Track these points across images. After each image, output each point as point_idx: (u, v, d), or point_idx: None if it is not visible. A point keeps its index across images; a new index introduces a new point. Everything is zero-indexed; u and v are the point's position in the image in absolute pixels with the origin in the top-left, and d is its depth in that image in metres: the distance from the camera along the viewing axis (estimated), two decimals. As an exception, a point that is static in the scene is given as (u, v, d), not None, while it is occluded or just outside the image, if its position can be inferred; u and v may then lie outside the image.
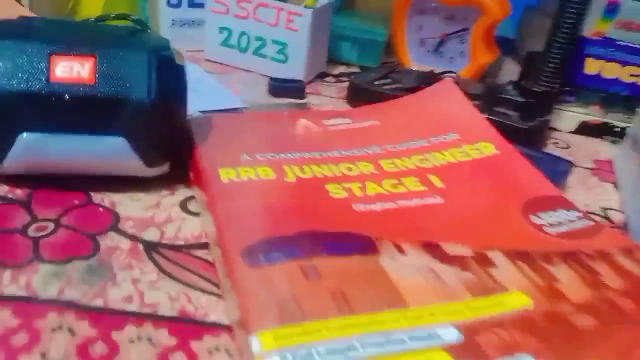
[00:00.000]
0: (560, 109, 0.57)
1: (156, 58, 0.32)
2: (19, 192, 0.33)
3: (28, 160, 0.31)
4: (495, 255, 0.29)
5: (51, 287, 0.26)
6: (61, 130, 0.30)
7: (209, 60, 0.60)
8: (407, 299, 0.25)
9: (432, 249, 0.29)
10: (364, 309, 0.24)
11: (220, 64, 0.59)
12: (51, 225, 0.30)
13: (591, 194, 0.44)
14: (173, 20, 0.61)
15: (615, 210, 0.41)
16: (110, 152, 0.31)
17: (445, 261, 0.28)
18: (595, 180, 0.47)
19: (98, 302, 0.26)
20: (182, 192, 0.35)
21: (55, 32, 0.32)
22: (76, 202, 0.32)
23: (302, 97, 0.55)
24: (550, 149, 0.52)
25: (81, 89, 0.30)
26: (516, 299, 0.26)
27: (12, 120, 0.29)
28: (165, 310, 0.26)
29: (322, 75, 0.62)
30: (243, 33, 0.58)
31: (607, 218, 0.40)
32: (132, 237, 0.30)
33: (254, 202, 0.31)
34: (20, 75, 0.29)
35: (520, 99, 0.51)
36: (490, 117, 0.48)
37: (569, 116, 0.57)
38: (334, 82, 0.61)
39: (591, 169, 0.49)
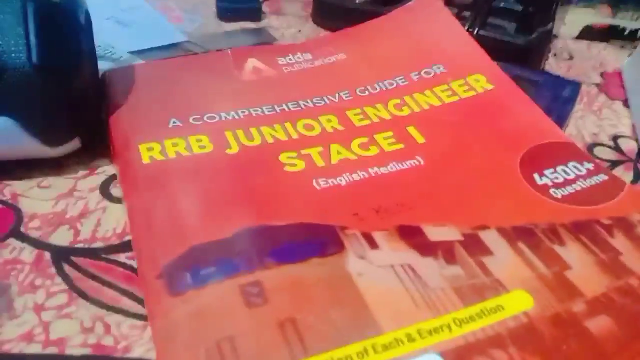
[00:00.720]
0: (562, 13, 0.49)
1: (35, 4, 0.23)
2: None
3: None
4: (490, 236, 0.23)
5: None
6: None
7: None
8: (379, 318, 0.20)
9: (412, 235, 0.23)
10: (322, 343, 0.19)
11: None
12: None
13: (599, 118, 0.38)
14: None
15: (627, 137, 0.35)
16: (-5, 136, 0.24)
17: (427, 253, 0.22)
18: (604, 99, 0.40)
19: (-13, 348, 0.20)
20: (103, 171, 0.28)
21: None
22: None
23: (259, 19, 0.46)
24: (551, 61, 0.45)
25: None
26: (517, 301, 0.21)
27: None
28: (76, 347, 0.20)
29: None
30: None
31: (618, 149, 0.34)
32: (38, 244, 0.24)
33: (182, 192, 0.24)
34: None
35: (518, 8, 0.43)
36: (483, 32, 0.41)
37: (571, 20, 0.49)
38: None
39: (598, 84, 0.42)
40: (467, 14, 0.43)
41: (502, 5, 0.44)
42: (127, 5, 0.44)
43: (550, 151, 0.28)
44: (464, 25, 0.40)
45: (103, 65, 0.31)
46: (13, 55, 0.23)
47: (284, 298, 0.20)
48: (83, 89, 0.26)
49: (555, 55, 0.46)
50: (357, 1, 0.46)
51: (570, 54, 0.47)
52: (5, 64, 0.23)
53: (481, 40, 0.39)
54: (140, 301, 0.22)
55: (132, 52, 0.38)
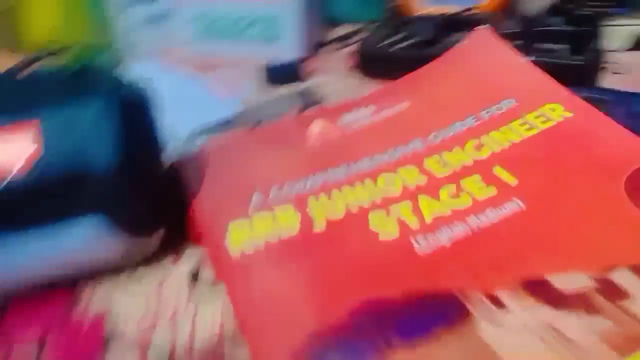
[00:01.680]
0: (610, 25, 0.47)
1: (109, 108, 0.23)
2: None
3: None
4: (624, 277, 0.21)
5: None
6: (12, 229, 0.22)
7: (188, 59, 0.51)
8: (534, 390, 0.18)
9: (539, 289, 0.21)
10: None
11: (202, 59, 0.50)
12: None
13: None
14: (134, 20, 0.52)
15: None
16: (81, 243, 0.23)
17: (563, 306, 0.20)
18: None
19: None
20: (188, 256, 0.27)
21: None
22: (56, 316, 0.25)
23: (302, 79, 0.46)
24: (605, 77, 0.43)
25: (24, 174, 0.22)
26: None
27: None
28: None
29: (325, 44, 0.53)
30: (219, 18, 0.48)
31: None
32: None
33: (280, 278, 0.23)
34: None
35: (568, 28, 0.42)
36: (536, 58, 0.39)
37: (621, 32, 0.48)
38: (341, 49, 0.52)
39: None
40: (518, 42, 0.42)
41: (551, 26, 0.43)
42: (177, 87, 0.44)
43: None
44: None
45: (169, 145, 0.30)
46: (95, 160, 0.22)
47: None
48: (162, 176, 0.26)
49: (608, 70, 0.44)
50: (399, 46, 0.46)
51: (623, 67, 0.45)
52: (91, 168, 0.22)
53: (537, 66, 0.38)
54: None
55: (190, 135, 0.37)
